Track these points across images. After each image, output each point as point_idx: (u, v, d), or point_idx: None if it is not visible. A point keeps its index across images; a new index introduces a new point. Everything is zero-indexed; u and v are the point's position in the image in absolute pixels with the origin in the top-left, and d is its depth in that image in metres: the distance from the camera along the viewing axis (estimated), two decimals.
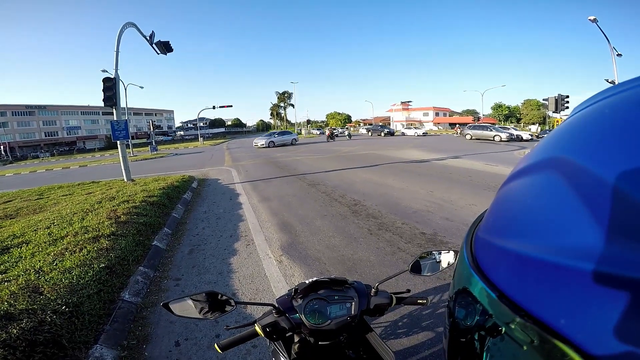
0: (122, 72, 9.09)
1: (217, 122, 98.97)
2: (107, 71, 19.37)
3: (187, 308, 0.88)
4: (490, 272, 0.42)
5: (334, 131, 33.20)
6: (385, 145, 20.47)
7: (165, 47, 10.29)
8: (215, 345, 0.88)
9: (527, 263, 0.35)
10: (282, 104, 71.63)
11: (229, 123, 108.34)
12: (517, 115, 65.22)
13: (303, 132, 60.87)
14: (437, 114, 68.94)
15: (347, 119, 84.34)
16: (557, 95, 15.32)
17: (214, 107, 34.47)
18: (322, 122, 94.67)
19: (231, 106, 38.45)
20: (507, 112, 65.68)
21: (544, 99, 16.63)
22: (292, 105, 69.24)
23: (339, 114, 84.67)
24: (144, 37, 9.83)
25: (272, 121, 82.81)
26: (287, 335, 0.95)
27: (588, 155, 0.35)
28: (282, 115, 73.45)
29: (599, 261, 0.27)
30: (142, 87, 34.36)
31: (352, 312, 0.92)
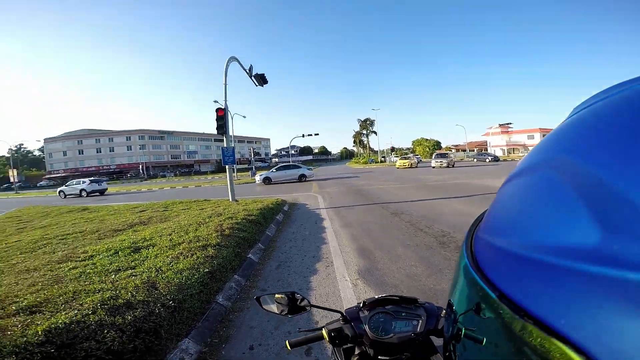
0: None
1: (306, 150, 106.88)
2: (217, 102, 22.58)
3: (271, 304, 0.97)
4: (490, 272, 0.42)
5: None
6: (481, 174, 18.55)
7: (261, 80, 11.04)
8: (287, 342, 0.95)
9: (527, 263, 0.35)
10: (364, 132, 71.59)
11: (316, 151, 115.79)
12: None
13: (387, 160, 59.64)
14: (544, 136, 59.51)
15: (437, 145, 77.51)
16: None
17: (303, 136, 37.79)
18: (408, 149, 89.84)
19: (317, 134, 41.45)
20: None
21: None
22: (375, 133, 68.72)
23: (427, 140, 76.50)
24: (244, 70, 10.51)
25: (354, 149, 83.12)
26: (348, 344, 0.96)
27: (587, 155, 0.35)
28: (365, 142, 73.19)
29: (599, 261, 0.27)
30: (244, 117, 36.31)
31: (418, 330, 0.88)
